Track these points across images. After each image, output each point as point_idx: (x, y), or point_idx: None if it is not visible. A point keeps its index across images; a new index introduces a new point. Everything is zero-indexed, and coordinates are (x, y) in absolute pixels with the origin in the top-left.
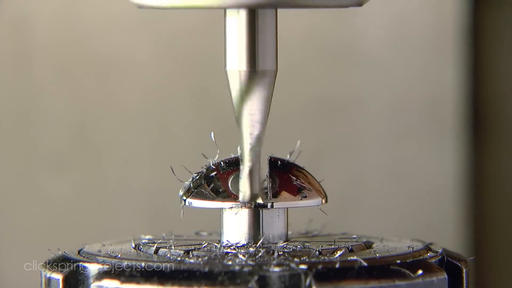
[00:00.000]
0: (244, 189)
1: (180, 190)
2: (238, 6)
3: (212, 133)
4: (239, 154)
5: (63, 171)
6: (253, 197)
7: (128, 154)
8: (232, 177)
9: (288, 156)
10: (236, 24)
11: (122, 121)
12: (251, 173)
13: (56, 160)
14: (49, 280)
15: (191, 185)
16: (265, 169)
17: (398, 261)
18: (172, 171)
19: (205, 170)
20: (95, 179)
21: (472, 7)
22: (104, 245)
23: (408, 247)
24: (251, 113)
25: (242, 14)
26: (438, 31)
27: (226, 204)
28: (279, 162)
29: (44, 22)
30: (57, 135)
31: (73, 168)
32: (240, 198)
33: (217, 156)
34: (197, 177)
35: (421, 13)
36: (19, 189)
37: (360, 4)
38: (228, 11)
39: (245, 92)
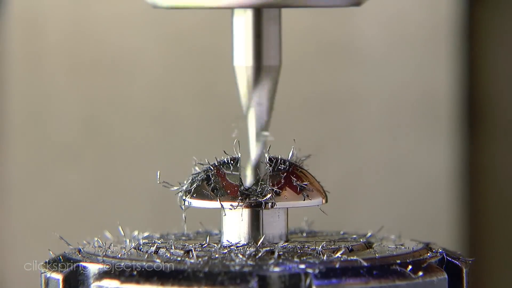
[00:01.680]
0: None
1: (179, 190)
2: (245, 6)
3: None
4: (239, 153)
5: (72, 166)
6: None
7: (136, 149)
8: (232, 176)
9: (290, 155)
10: (243, 23)
11: (130, 116)
12: (256, 165)
13: (66, 155)
14: (49, 280)
15: (190, 185)
16: (265, 169)
17: (398, 261)
18: (168, 183)
19: (204, 169)
20: (104, 174)
21: (467, 6)
22: (104, 244)
23: (409, 246)
24: (257, 106)
25: (249, 13)
26: (434, 30)
27: (226, 204)
28: (279, 162)
29: (55, 21)
30: (67, 131)
31: (83, 163)
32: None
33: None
34: (196, 177)
35: (417, 12)
36: (29, 184)
37: (358, 4)
38: (235, 10)
39: (252, 86)
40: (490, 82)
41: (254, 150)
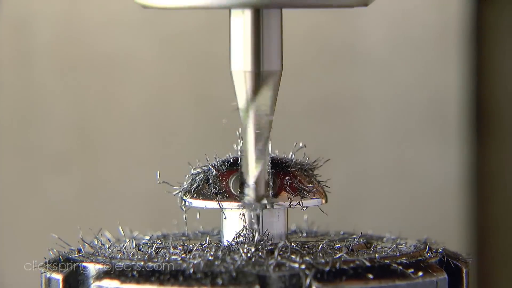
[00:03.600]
0: (250, 190)
1: (179, 190)
2: (244, 6)
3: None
4: (238, 154)
5: (64, 172)
6: (259, 197)
7: (129, 154)
8: (233, 177)
9: (291, 155)
10: (241, 24)
11: (123, 121)
12: (256, 172)
13: (58, 160)
14: (49, 280)
15: (190, 185)
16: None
17: (398, 261)
18: (168, 183)
19: (204, 170)
20: (97, 179)
21: (475, 7)
22: (104, 244)
23: (409, 246)
24: (257, 113)
25: (247, 14)
26: (441, 31)
27: (226, 204)
28: (279, 162)
29: (46, 22)
30: (59, 135)
31: (75, 168)
32: (249, 197)
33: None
34: (196, 177)
35: (424, 13)
36: (21, 189)
37: (365, 4)
38: (233, 11)
39: (251, 92)
40: (500, 85)
41: (254, 156)
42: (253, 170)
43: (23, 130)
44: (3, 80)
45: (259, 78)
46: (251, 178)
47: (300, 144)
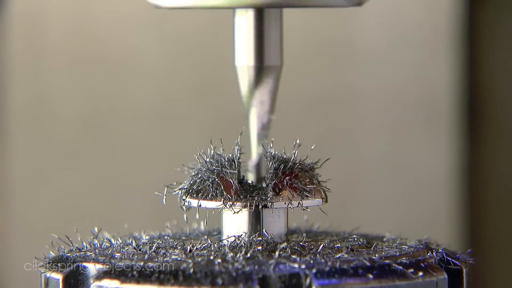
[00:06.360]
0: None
1: (179, 190)
2: (247, 6)
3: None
4: (236, 151)
5: (74, 165)
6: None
7: (137, 148)
8: (232, 176)
9: (294, 153)
10: (245, 23)
11: (131, 116)
12: (256, 164)
13: (68, 154)
14: (49, 280)
15: (190, 185)
16: (261, 167)
17: (398, 261)
18: (169, 186)
19: (205, 169)
20: (105, 172)
21: (467, 6)
22: (103, 244)
23: (409, 246)
24: (259, 106)
25: (250, 14)
26: (434, 30)
27: (226, 204)
28: (280, 161)
29: (57, 20)
30: (69, 129)
31: (84, 161)
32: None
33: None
34: (196, 177)
35: (417, 12)
36: (30, 183)
37: (359, 4)
38: (237, 10)
39: (253, 86)
40: (490, 82)
41: (255, 150)
42: (255, 158)
43: (34, 125)
44: (15, 75)
45: (261, 72)
46: (252, 163)
47: (307, 141)
